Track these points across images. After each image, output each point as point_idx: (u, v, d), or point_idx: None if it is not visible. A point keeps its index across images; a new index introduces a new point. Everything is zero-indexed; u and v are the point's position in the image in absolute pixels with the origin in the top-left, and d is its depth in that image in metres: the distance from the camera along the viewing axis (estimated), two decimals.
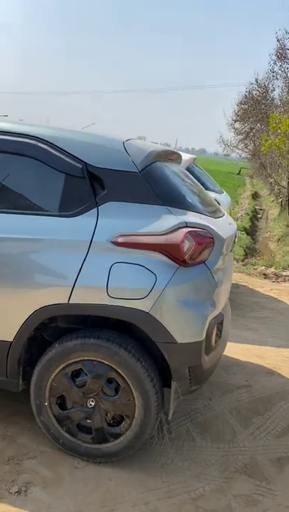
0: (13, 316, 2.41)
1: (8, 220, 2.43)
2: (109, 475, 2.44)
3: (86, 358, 2.40)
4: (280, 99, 18.67)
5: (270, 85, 19.64)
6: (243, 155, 27.48)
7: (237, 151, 25.28)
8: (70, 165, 2.42)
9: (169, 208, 2.41)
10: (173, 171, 2.82)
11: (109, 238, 2.32)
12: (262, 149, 15.28)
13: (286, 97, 17.00)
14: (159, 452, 2.65)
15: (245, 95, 21.79)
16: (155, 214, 2.38)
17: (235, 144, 24.57)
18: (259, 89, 20.73)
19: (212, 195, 4.87)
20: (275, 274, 6.94)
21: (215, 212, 2.91)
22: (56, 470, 2.44)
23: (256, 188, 33.08)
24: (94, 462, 2.50)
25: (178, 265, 2.32)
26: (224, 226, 2.78)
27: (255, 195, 26.85)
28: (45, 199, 2.47)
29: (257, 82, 20.41)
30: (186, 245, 2.32)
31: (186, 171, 3.32)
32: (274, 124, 12.63)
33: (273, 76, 18.04)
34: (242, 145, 24.99)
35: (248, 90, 21.31)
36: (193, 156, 5.40)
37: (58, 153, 2.44)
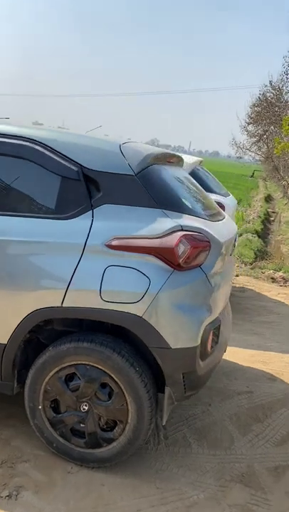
0: (6, 318, 2.40)
1: (3, 222, 2.42)
2: (102, 480, 2.42)
3: (79, 362, 2.38)
4: None
5: (284, 87, 19.47)
6: (256, 157, 27.30)
7: (250, 153, 25.11)
8: (66, 167, 2.41)
9: (164, 211, 2.39)
10: (171, 174, 2.79)
11: (103, 241, 2.30)
12: (274, 152, 15.14)
13: None
14: (154, 458, 2.62)
15: (259, 98, 21.65)
16: (150, 217, 2.36)
17: (248, 147, 24.40)
18: (273, 91, 20.57)
19: (217, 198, 4.84)
20: (284, 278, 6.85)
21: (214, 216, 2.88)
22: (49, 474, 2.43)
23: (269, 190, 32.80)
24: (87, 467, 2.48)
25: (173, 269, 2.30)
26: (222, 229, 2.74)
27: (268, 198, 26.62)
28: (41, 201, 2.46)
29: (271, 84, 20.25)
30: (181, 249, 2.29)
31: (187, 174, 3.29)
32: (287, 127, 12.51)
33: (287, 78, 17.88)
34: (255, 148, 24.81)
35: (261, 92, 21.17)
36: (199, 159, 5.36)
37: (53, 156, 2.43)
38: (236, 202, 5.75)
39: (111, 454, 2.43)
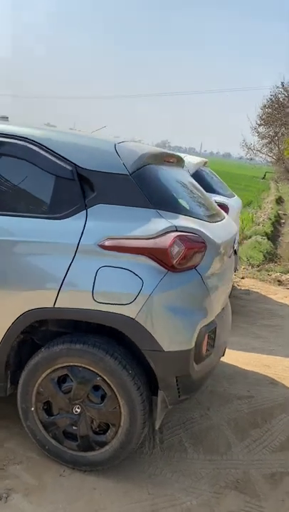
0: None
1: None
2: (94, 484, 2.38)
3: (72, 364, 2.35)
4: None
5: None
6: (267, 159, 27.13)
7: (261, 155, 24.98)
8: (60, 167, 2.39)
9: (159, 211, 2.35)
10: (168, 174, 2.75)
11: (96, 241, 2.27)
12: (285, 154, 15.03)
13: None
14: (148, 462, 2.58)
15: (271, 99, 21.53)
16: (145, 217, 2.32)
17: (258, 148, 24.28)
18: (285, 92, 20.45)
19: (220, 199, 4.79)
20: None
21: (213, 217, 2.83)
22: (40, 477, 2.40)
23: (281, 192, 32.51)
24: (80, 470, 2.45)
25: (166, 270, 2.26)
26: (220, 230, 2.70)
27: (279, 200, 26.39)
28: (34, 201, 2.44)
29: (283, 85, 20.14)
30: (175, 250, 2.25)
31: (188, 174, 3.24)
32: None
33: None
34: (266, 149, 24.68)
35: (273, 94, 21.05)
36: (204, 160, 5.31)
37: (48, 155, 2.40)
38: (241, 203, 5.68)
39: (103, 457, 2.39)
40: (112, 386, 2.30)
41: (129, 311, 2.22)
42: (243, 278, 6.75)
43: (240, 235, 10.65)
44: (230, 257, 2.93)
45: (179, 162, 3.16)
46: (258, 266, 7.51)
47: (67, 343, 2.35)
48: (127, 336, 2.29)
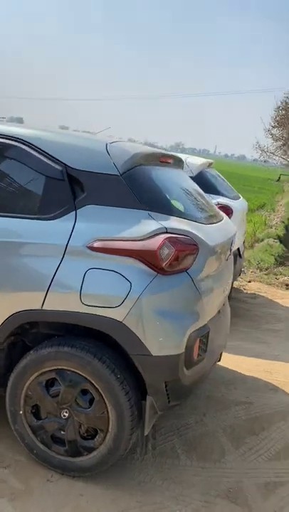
0: None
1: None
2: (82, 490, 2.34)
3: (60, 367, 2.31)
4: None
5: None
6: (282, 161, 26.86)
7: (274, 157, 24.74)
8: (50, 167, 2.36)
9: (150, 212, 2.30)
10: (163, 175, 2.71)
11: (85, 243, 2.23)
12: None
13: None
14: (139, 469, 2.52)
15: (285, 101, 21.31)
16: (135, 219, 2.28)
17: (272, 150, 24.05)
18: None
19: (224, 201, 4.72)
20: None
21: (209, 218, 2.77)
22: (27, 481, 2.36)
23: None
24: (68, 476, 2.40)
25: (156, 273, 2.21)
26: (215, 232, 2.63)
27: None
28: (24, 201, 2.41)
29: None
30: (165, 252, 2.20)
31: (186, 175, 3.18)
32: None
33: None
34: (280, 151, 24.43)
35: (287, 96, 20.84)
36: (209, 161, 5.24)
37: (38, 155, 2.38)
38: (247, 205, 5.60)
39: (91, 463, 2.35)
40: (100, 390, 2.26)
41: (117, 314, 2.18)
42: (249, 281, 6.65)
43: (252, 237, 10.54)
44: (227, 259, 2.87)
45: (177, 163, 3.10)
46: (266, 269, 7.40)
47: (55, 346, 2.32)
48: (116, 340, 2.25)
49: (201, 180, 4.79)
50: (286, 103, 21.21)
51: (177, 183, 2.92)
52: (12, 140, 2.41)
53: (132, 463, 2.56)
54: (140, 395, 2.32)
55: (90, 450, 2.34)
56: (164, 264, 2.20)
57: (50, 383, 2.37)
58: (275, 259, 8.98)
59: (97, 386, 2.26)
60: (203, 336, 2.39)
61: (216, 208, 3.24)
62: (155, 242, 2.19)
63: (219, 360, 2.94)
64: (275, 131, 22.94)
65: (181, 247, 2.24)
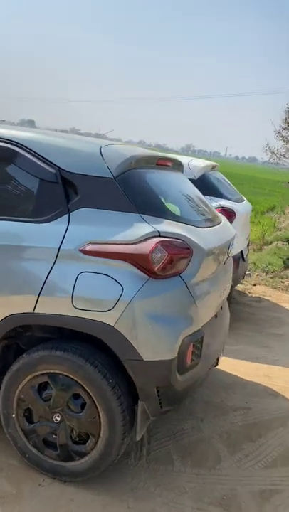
0: None
1: None
2: (73, 495, 2.32)
3: (52, 371, 2.30)
4: None
5: None
6: None
7: (285, 159, 24.50)
8: (44, 170, 2.35)
9: (143, 216, 2.28)
10: (159, 178, 2.68)
11: (77, 246, 2.22)
12: None
13: None
14: (132, 474, 2.50)
15: None
16: (127, 222, 2.26)
17: (283, 153, 23.82)
18: None
19: (226, 203, 4.68)
20: None
21: (206, 222, 2.75)
22: (19, 485, 2.35)
23: None
24: (60, 480, 2.39)
25: (148, 277, 2.19)
26: (212, 236, 2.60)
27: None
28: (17, 204, 2.40)
29: None
30: (157, 256, 2.17)
31: (184, 178, 3.16)
32: None
33: None
34: None
35: None
36: (213, 163, 5.20)
37: (31, 157, 2.37)
38: (250, 208, 5.54)
39: (83, 468, 2.33)
40: (92, 395, 2.24)
41: (109, 318, 2.16)
42: (254, 285, 6.59)
43: (261, 240, 10.45)
44: (224, 263, 2.83)
45: (176, 166, 3.08)
46: (272, 272, 7.32)
47: (47, 350, 2.31)
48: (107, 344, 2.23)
49: (204, 182, 4.76)
50: None
51: (175, 186, 2.90)
52: (6, 142, 2.41)
53: (126, 468, 2.54)
54: (132, 400, 2.30)
55: (82, 455, 2.33)
56: (156, 268, 2.18)
57: (42, 387, 2.36)
58: (284, 262, 8.88)
59: (88, 390, 2.24)
60: (197, 341, 2.35)
61: (215, 211, 3.20)
62: (147, 246, 2.17)
63: (216, 365, 2.89)
64: (285, 133, 22.70)
65: (173, 250, 2.22)
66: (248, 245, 5.57)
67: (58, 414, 2.33)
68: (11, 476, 2.41)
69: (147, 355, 2.17)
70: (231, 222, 4.58)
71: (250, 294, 6.19)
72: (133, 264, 2.18)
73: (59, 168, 2.34)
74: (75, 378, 2.25)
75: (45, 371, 2.31)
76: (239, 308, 5.62)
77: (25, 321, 2.34)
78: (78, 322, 2.21)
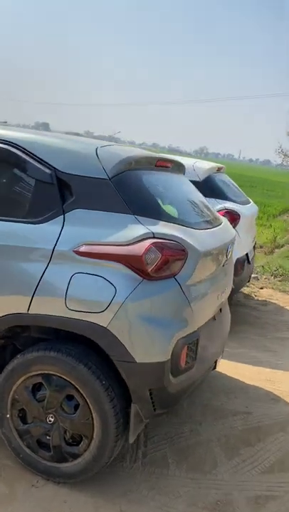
0: None
1: None
2: (66, 496, 2.31)
3: (46, 372, 2.30)
4: None
5: None
6: None
7: None
8: (40, 170, 2.35)
9: (138, 217, 2.27)
10: (157, 180, 2.67)
11: (72, 247, 2.22)
12: None
13: None
14: (126, 477, 2.48)
15: None
16: (122, 223, 2.25)
17: None
18: None
19: (231, 206, 4.65)
20: None
21: (204, 223, 2.73)
22: (12, 486, 2.35)
23: None
24: (53, 481, 2.38)
25: (142, 278, 2.17)
26: (209, 237, 2.58)
27: None
28: (13, 204, 2.41)
29: None
30: (150, 257, 2.16)
31: (184, 179, 3.14)
32: None
33: None
34: None
35: None
36: (218, 165, 5.17)
37: (27, 158, 2.38)
38: (256, 210, 5.49)
39: (76, 469, 2.32)
40: (85, 396, 2.23)
41: (101, 320, 2.15)
42: (261, 288, 6.53)
43: (272, 243, 10.36)
44: (223, 265, 2.81)
45: (177, 168, 3.06)
46: (281, 276, 7.24)
47: (41, 351, 2.31)
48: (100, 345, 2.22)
49: (209, 184, 4.74)
50: None
51: (174, 187, 2.89)
52: (1, 143, 2.42)
53: (120, 470, 2.52)
54: (126, 403, 2.28)
55: (75, 456, 2.32)
56: (150, 270, 2.17)
57: (36, 388, 2.36)
58: None
59: (81, 392, 2.24)
60: (191, 343, 2.33)
61: (216, 212, 3.18)
62: (141, 247, 2.16)
63: (214, 368, 2.86)
64: None
65: (167, 252, 2.20)
66: (254, 248, 5.52)
67: (51, 415, 2.32)
68: (4, 476, 2.41)
69: (140, 356, 2.15)
70: (236, 225, 4.55)
71: (256, 298, 6.13)
72: (127, 266, 2.17)
73: (55, 168, 2.34)
74: (68, 379, 2.25)
75: (39, 372, 2.31)
76: (245, 311, 5.57)
77: (19, 322, 2.34)
78: (71, 323, 2.20)
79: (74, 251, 2.21)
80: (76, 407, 2.28)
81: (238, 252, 4.53)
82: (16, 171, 2.40)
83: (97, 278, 2.18)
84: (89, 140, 2.66)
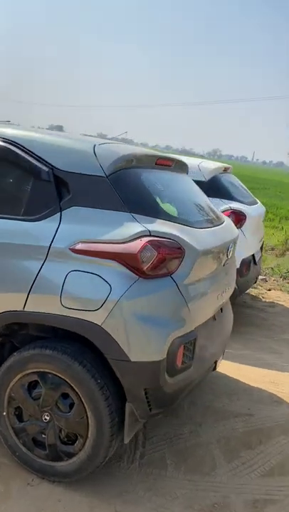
0: None
1: None
2: (60, 496, 2.29)
3: (41, 370, 2.29)
4: None
5: None
6: None
7: None
8: (37, 168, 2.35)
9: (134, 215, 2.25)
10: (157, 178, 2.65)
11: (68, 245, 2.21)
12: None
13: None
14: (123, 477, 2.46)
15: None
16: (118, 221, 2.23)
17: None
18: None
19: (237, 206, 4.60)
20: None
21: (204, 222, 2.70)
22: (8, 484, 2.34)
23: None
24: (48, 480, 2.37)
25: (137, 277, 2.15)
26: (209, 236, 2.55)
27: None
28: (10, 202, 2.41)
29: None
30: (146, 255, 2.14)
31: (186, 178, 3.11)
32: None
33: None
34: None
35: None
36: (225, 165, 5.13)
37: (25, 155, 2.37)
38: (264, 211, 5.42)
39: (71, 469, 2.30)
40: (80, 395, 2.22)
41: (96, 318, 2.14)
42: (269, 290, 6.45)
43: (284, 245, 10.26)
44: (224, 264, 2.77)
45: (180, 167, 3.03)
46: None
47: (37, 348, 2.30)
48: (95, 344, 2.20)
49: (215, 184, 4.70)
50: None
51: (175, 186, 2.86)
52: (0, 141, 2.42)
53: (117, 471, 2.50)
54: (121, 402, 2.25)
55: (70, 455, 2.30)
56: (145, 268, 2.14)
57: (32, 386, 2.35)
58: None
59: (77, 390, 2.22)
60: (188, 343, 2.30)
61: (218, 212, 3.14)
62: (136, 245, 2.14)
63: (215, 369, 2.83)
64: None
65: (164, 250, 2.17)
66: (261, 249, 5.46)
67: (47, 413, 2.31)
68: (0, 474, 2.40)
69: (134, 355, 2.13)
70: (242, 225, 4.51)
71: (264, 299, 6.06)
72: (122, 264, 2.15)
73: (52, 166, 2.34)
74: (63, 377, 2.24)
75: (35, 370, 2.31)
76: (252, 312, 5.52)
77: (15, 319, 2.34)
78: (66, 321, 2.19)
79: (70, 249, 2.20)
80: (71, 405, 2.26)
81: (243, 253, 4.49)
82: (14, 168, 2.40)
83: (92, 276, 2.16)
84: (87, 138, 2.65)
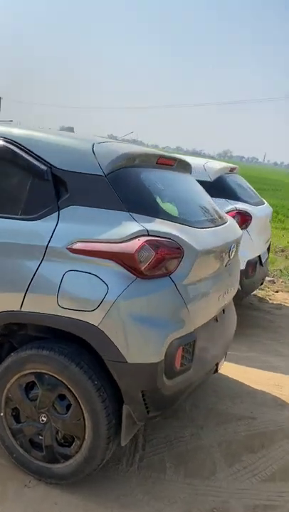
0: None
1: None
2: (57, 498, 2.27)
3: (38, 371, 2.27)
4: None
5: None
6: None
7: None
8: (35, 167, 2.33)
9: (133, 214, 2.22)
10: (157, 177, 2.62)
11: (65, 244, 2.18)
12: None
13: None
14: (121, 481, 2.42)
15: None
16: (116, 220, 2.20)
17: None
18: None
19: (243, 206, 4.55)
20: None
21: (206, 222, 2.66)
22: (5, 485, 2.32)
23: None
24: (45, 482, 2.35)
25: (135, 277, 2.12)
26: (210, 236, 2.51)
27: None
28: (8, 201, 2.39)
29: None
30: (143, 255, 2.10)
31: (189, 177, 3.07)
32: None
33: None
34: None
35: None
36: (231, 166, 5.07)
37: (23, 154, 2.36)
38: (271, 211, 5.35)
39: (67, 471, 2.28)
40: (77, 396, 2.19)
41: (93, 318, 2.11)
42: (277, 292, 6.38)
43: None
44: (226, 265, 2.73)
45: (182, 166, 3.00)
46: None
47: (35, 349, 2.28)
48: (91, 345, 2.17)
49: (220, 185, 4.65)
50: None
51: (176, 186, 2.83)
52: None
53: (115, 474, 2.46)
54: (119, 404, 2.22)
55: (67, 458, 2.28)
56: (143, 268, 2.11)
57: (30, 386, 2.33)
58: None
59: (73, 391, 2.19)
60: (187, 345, 2.26)
61: (221, 212, 3.10)
62: (134, 245, 2.11)
63: (216, 371, 2.78)
64: None
65: (162, 250, 2.14)
66: (268, 250, 5.39)
67: (44, 414, 2.29)
68: None
69: (132, 357, 2.10)
70: (247, 226, 4.46)
71: (271, 301, 5.99)
72: (119, 264, 2.12)
73: (50, 165, 2.32)
74: (60, 379, 2.21)
75: (32, 370, 2.28)
76: (258, 315, 5.45)
77: (12, 319, 2.32)
78: (63, 321, 2.17)
79: (67, 248, 2.17)
80: (68, 407, 2.24)
81: (249, 254, 4.43)
82: (12, 167, 2.38)
83: (89, 276, 2.14)
84: (87, 136, 2.63)
